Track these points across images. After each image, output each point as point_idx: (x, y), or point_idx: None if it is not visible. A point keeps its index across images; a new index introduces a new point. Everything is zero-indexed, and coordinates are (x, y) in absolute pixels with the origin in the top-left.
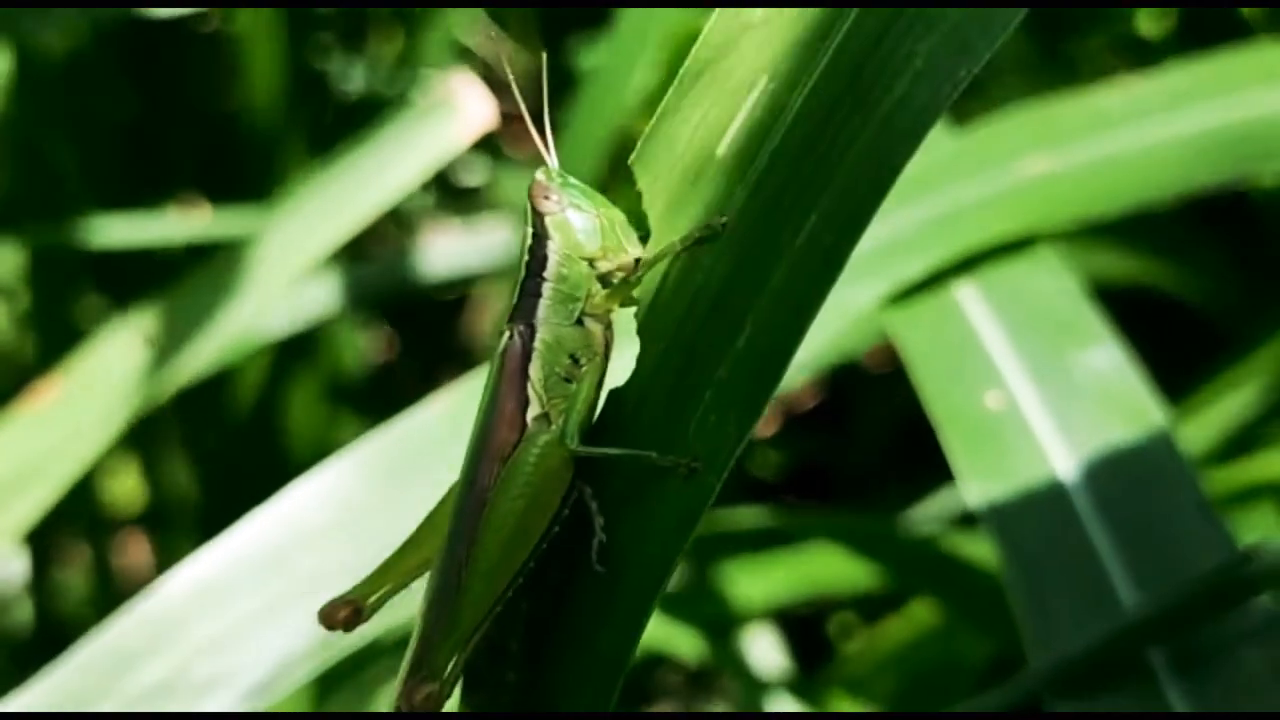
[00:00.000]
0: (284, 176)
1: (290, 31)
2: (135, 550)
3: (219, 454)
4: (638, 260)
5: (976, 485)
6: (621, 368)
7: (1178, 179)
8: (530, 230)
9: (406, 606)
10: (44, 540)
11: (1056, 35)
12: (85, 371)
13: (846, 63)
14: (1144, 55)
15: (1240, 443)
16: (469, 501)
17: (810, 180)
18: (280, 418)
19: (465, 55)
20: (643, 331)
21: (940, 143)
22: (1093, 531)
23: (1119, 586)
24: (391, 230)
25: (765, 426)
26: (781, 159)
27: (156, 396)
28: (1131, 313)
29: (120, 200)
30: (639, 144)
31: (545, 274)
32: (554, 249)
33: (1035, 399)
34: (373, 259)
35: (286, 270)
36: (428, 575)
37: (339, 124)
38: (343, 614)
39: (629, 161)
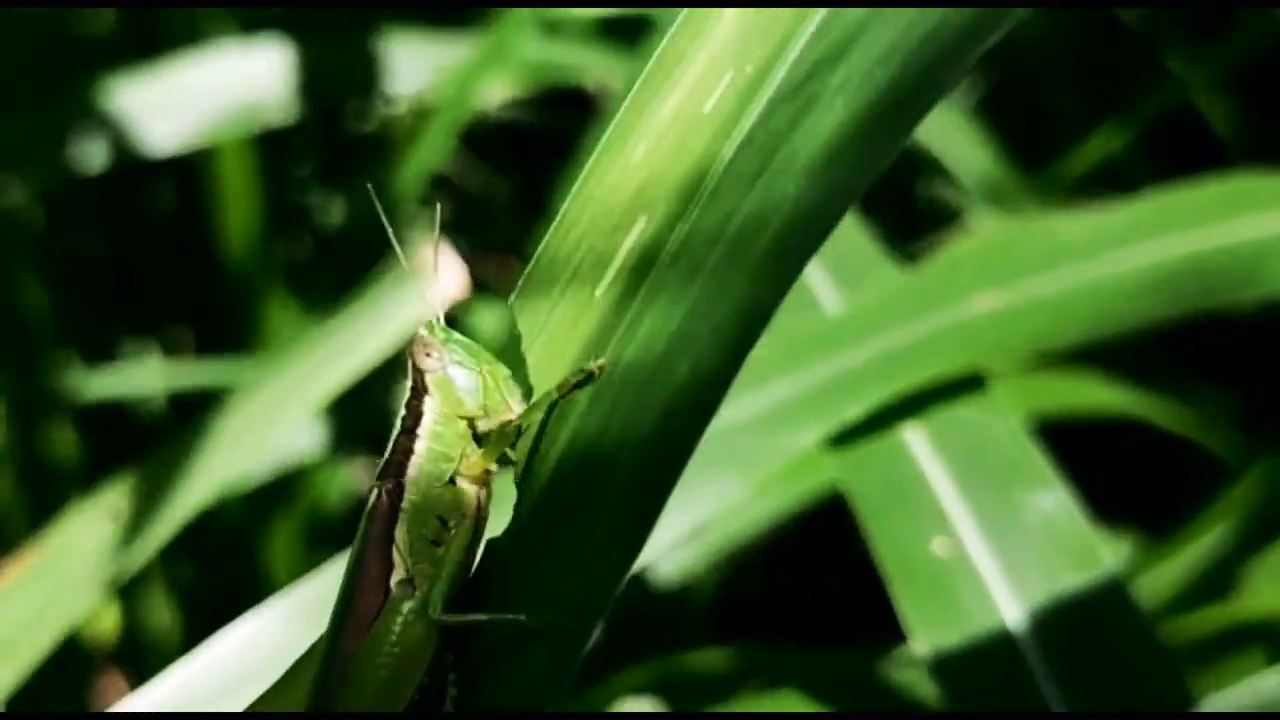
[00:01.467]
0: (264, 315)
1: (267, 165)
2: (113, 688)
3: (199, 588)
4: (517, 416)
5: (924, 636)
6: (499, 524)
7: (1133, 311)
8: (409, 385)
9: None
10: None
11: (1031, 162)
12: (56, 546)
13: (724, 201)
14: (1118, 184)
15: (1221, 580)
16: (332, 666)
17: (689, 331)
18: (262, 552)
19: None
20: (520, 484)
21: (890, 278)
22: (1042, 683)
23: None
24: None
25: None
26: (662, 294)
27: (129, 566)
28: (1118, 444)
29: (98, 344)
30: (519, 282)
31: (419, 431)
32: (431, 407)
33: (983, 545)
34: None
35: (259, 437)
36: None
37: (320, 256)
38: None
39: (508, 303)
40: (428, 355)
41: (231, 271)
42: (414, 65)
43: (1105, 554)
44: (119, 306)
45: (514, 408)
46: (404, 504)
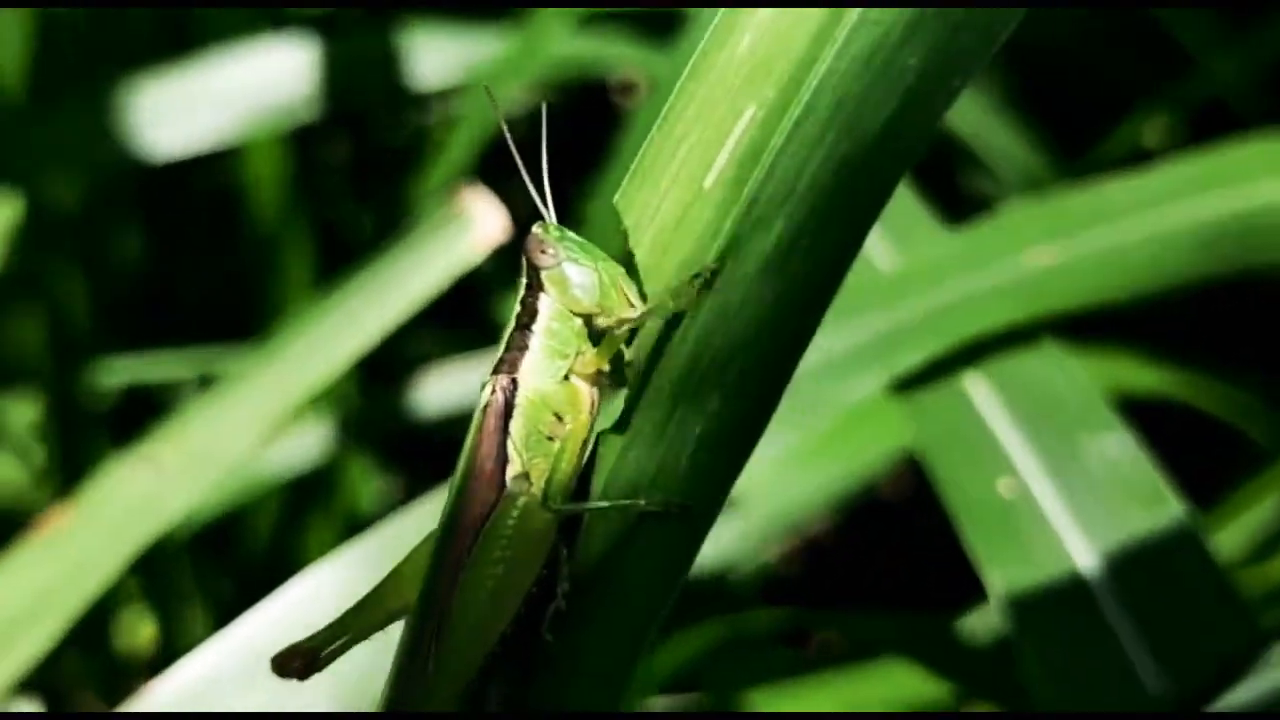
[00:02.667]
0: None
1: (299, 178)
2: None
3: (235, 601)
4: (638, 313)
5: (996, 571)
6: (609, 418)
7: (1184, 268)
8: (524, 283)
9: (361, 658)
10: (56, 691)
11: (1064, 150)
12: (93, 501)
13: (836, 85)
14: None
15: (1266, 550)
16: (445, 564)
17: (801, 204)
18: (297, 563)
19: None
20: (632, 382)
21: (942, 240)
22: (1112, 616)
23: (1141, 671)
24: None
25: (786, 564)
26: (770, 187)
27: (166, 523)
28: (1157, 425)
29: (133, 344)
30: (623, 183)
31: (535, 327)
32: (547, 303)
33: (1048, 487)
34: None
35: (296, 391)
36: (397, 641)
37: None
38: (297, 663)
39: (613, 201)
40: (543, 252)
41: (262, 274)
42: (443, 61)
43: (1170, 495)
44: (155, 303)
45: (630, 305)
46: (519, 399)
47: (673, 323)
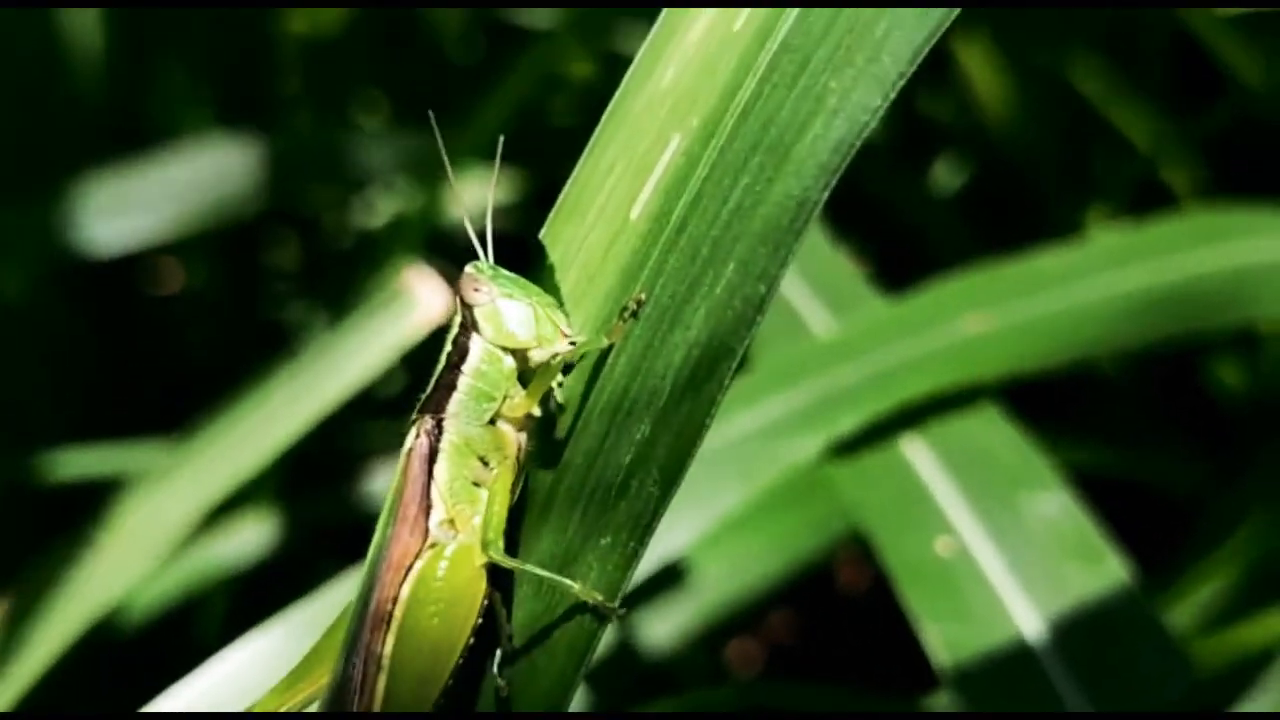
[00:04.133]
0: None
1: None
2: None
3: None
4: (572, 345)
5: (934, 627)
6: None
7: (1116, 335)
8: (457, 321)
9: None
10: None
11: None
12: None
13: (761, 109)
14: None
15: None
16: (368, 614)
17: (726, 229)
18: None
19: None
20: (562, 421)
21: (878, 307)
22: (1054, 674)
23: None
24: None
25: (747, 665)
26: (697, 214)
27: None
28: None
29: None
30: (550, 216)
31: (464, 367)
32: (479, 342)
33: (987, 546)
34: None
35: (231, 476)
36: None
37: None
38: None
39: (539, 236)
40: (476, 290)
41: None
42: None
43: (1110, 552)
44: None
45: (565, 335)
46: (444, 443)
47: (602, 355)
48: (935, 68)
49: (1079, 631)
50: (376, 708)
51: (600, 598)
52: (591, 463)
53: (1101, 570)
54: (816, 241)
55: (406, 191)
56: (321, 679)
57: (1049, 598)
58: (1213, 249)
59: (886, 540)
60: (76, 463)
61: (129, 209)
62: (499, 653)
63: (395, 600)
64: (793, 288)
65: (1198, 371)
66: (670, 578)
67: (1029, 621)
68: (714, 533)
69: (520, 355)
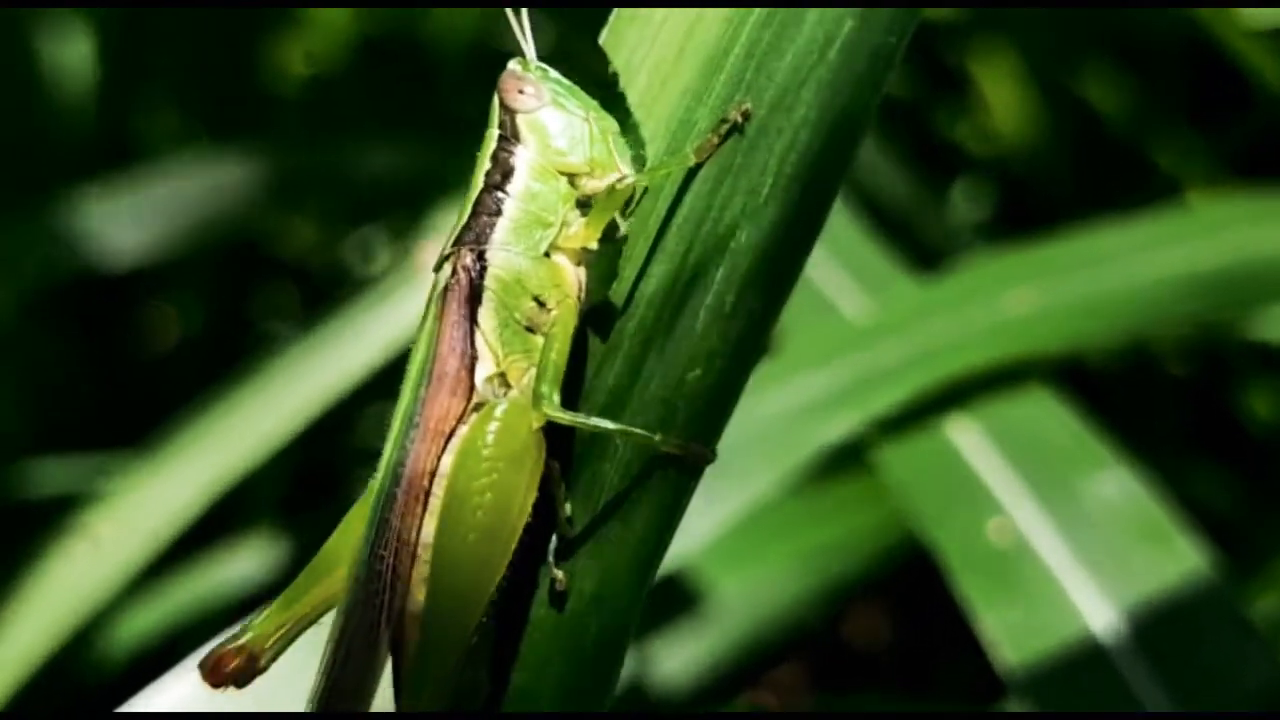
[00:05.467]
0: None
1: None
2: None
3: None
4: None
5: (994, 620)
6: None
7: (1161, 313)
8: (495, 133)
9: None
10: None
11: None
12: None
13: None
14: None
15: None
16: (400, 493)
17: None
18: None
19: None
20: (626, 262)
21: (913, 289)
22: (1125, 668)
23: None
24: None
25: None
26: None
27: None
28: None
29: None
30: (610, 19)
31: (509, 188)
32: (525, 157)
33: (1046, 531)
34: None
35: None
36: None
37: None
38: (233, 664)
39: (599, 41)
40: (521, 92)
41: None
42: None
43: (1179, 535)
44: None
45: (624, 168)
46: (488, 280)
47: (688, 174)
48: (953, 87)
49: (1151, 620)
50: (417, 609)
51: (688, 445)
52: (670, 286)
53: (1172, 553)
54: (846, 226)
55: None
56: (338, 580)
57: (1116, 584)
58: (1258, 230)
59: (935, 526)
60: (54, 476)
61: (117, 228)
62: (554, 537)
63: (434, 475)
64: (824, 271)
65: (1228, 399)
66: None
67: (1096, 611)
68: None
69: (572, 178)
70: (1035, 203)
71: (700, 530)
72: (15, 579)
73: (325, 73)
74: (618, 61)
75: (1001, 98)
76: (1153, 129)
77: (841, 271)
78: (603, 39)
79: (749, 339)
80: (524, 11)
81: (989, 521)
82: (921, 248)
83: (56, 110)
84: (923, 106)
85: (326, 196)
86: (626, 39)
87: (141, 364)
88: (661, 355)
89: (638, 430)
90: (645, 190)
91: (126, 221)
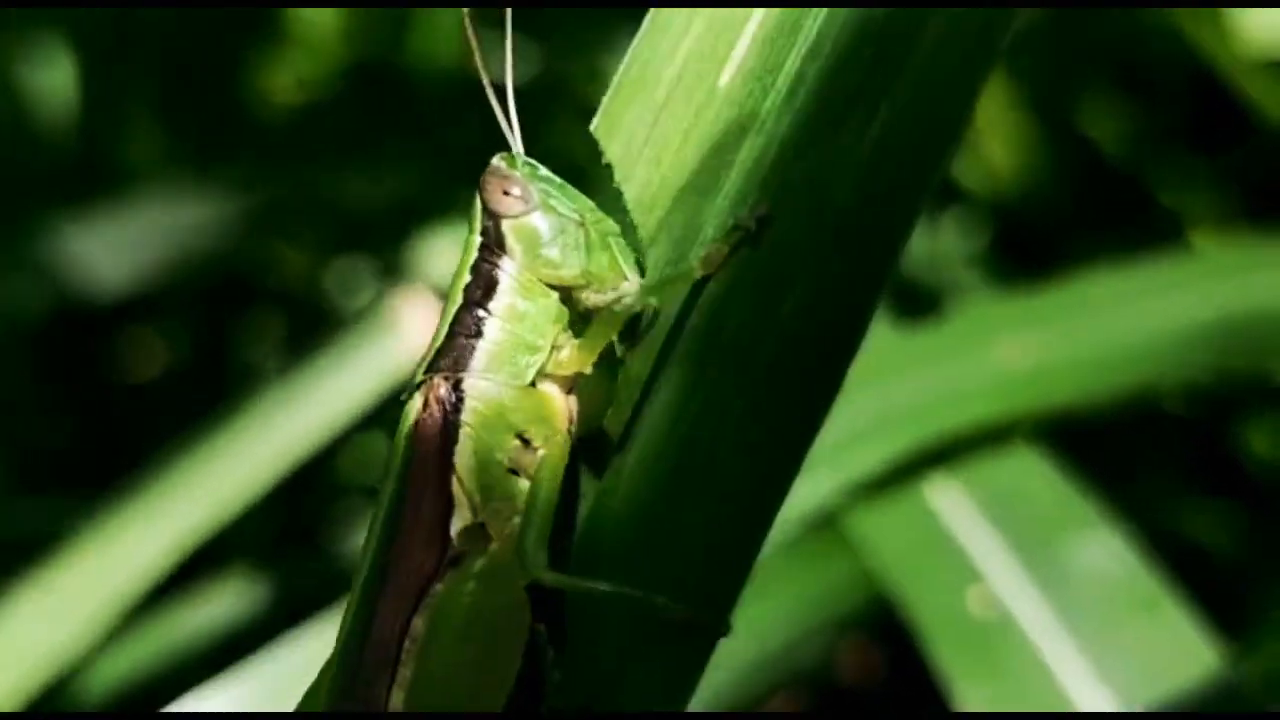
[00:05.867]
0: None
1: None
2: None
3: None
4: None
5: (973, 695)
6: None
7: (1164, 368)
8: (476, 240)
9: None
10: None
11: None
12: None
13: None
14: None
15: None
16: (365, 660)
17: (859, 92)
18: None
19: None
20: (626, 391)
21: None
22: None
23: None
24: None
25: None
26: (815, 64)
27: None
28: None
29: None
30: (604, 101)
31: (491, 306)
32: (510, 270)
33: (1029, 600)
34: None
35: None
36: None
37: None
38: None
39: (590, 129)
40: (507, 193)
41: None
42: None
43: (1169, 603)
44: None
45: (630, 279)
46: (465, 413)
47: (694, 289)
48: None
49: (1140, 696)
50: None
51: (698, 611)
52: (676, 417)
53: (1162, 623)
54: None
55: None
56: None
57: (1103, 658)
58: (1264, 276)
59: (911, 594)
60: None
61: (100, 256)
62: (545, 709)
63: (404, 639)
64: None
65: (1227, 437)
66: None
67: (1082, 686)
68: None
69: (565, 292)
70: (1032, 237)
71: None
72: None
73: (311, 100)
74: (611, 150)
75: (997, 128)
76: (1154, 162)
77: None
78: (594, 125)
79: (774, 479)
80: (510, 99)
81: (969, 589)
82: (910, 287)
83: (37, 135)
84: None
85: (312, 224)
86: (623, 123)
87: (124, 394)
88: (669, 497)
89: (641, 593)
90: (655, 313)
91: (109, 250)
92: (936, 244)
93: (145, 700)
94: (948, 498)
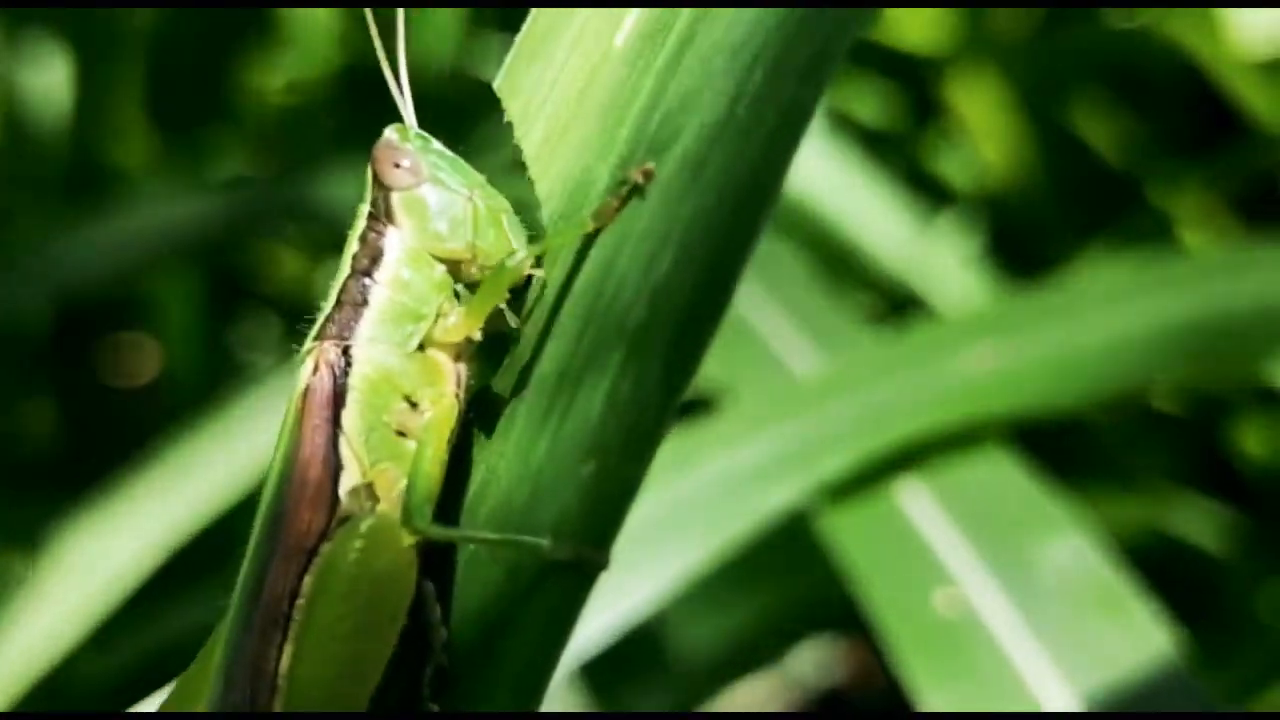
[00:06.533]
0: None
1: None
2: None
3: None
4: (520, 265)
5: (937, 698)
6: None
7: (1129, 371)
8: (365, 210)
9: None
10: None
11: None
12: None
13: None
14: None
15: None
16: (256, 619)
17: (746, 49)
18: None
19: None
20: (516, 354)
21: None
22: None
23: None
24: None
25: None
26: (705, 25)
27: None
28: None
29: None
30: (506, 62)
31: (377, 275)
32: (397, 240)
33: (995, 600)
34: None
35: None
36: None
37: None
38: None
39: (493, 86)
40: (397, 165)
41: None
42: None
43: (1137, 605)
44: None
45: (518, 253)
46: (353, 378)
47: (584, 241)
48: (936, 117)
49: (1107, 699)
50: None
51: (580, 550)
52: (563, 369)
53: (1130, 626)
54: (798, 274)
55: None
56: (194, 708)
57: (1071, 660)
58: (1241, 281)
59: (876, 595)
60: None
61: (93, 256)
62: (431, 668)
63: (293, 598)
64: (772, 323)
65: (1218, 436)
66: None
67: (1049, 688)
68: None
69: (454, 265)
70: (1023, 237)
71: (631, 607)
72: None
73: (303, 101)
74: (513, 107)
75: (986, 128)
76: (1145, 161)
77: (793, 324)
78: (498, 82)
79: (648, 429)
80: (403, 68)
81: (935, 591)
82: (901, 287)
83: (30, 137)
84: (908, 140)
85: (306, 225)
86: (524, 83)
87: (118, 397)
88: (553, 448)
89: (525, 539)
90: (544, 283)
91: (102, 250)
92: (928, 245)
93: (139, 696)
94: (916, 499)
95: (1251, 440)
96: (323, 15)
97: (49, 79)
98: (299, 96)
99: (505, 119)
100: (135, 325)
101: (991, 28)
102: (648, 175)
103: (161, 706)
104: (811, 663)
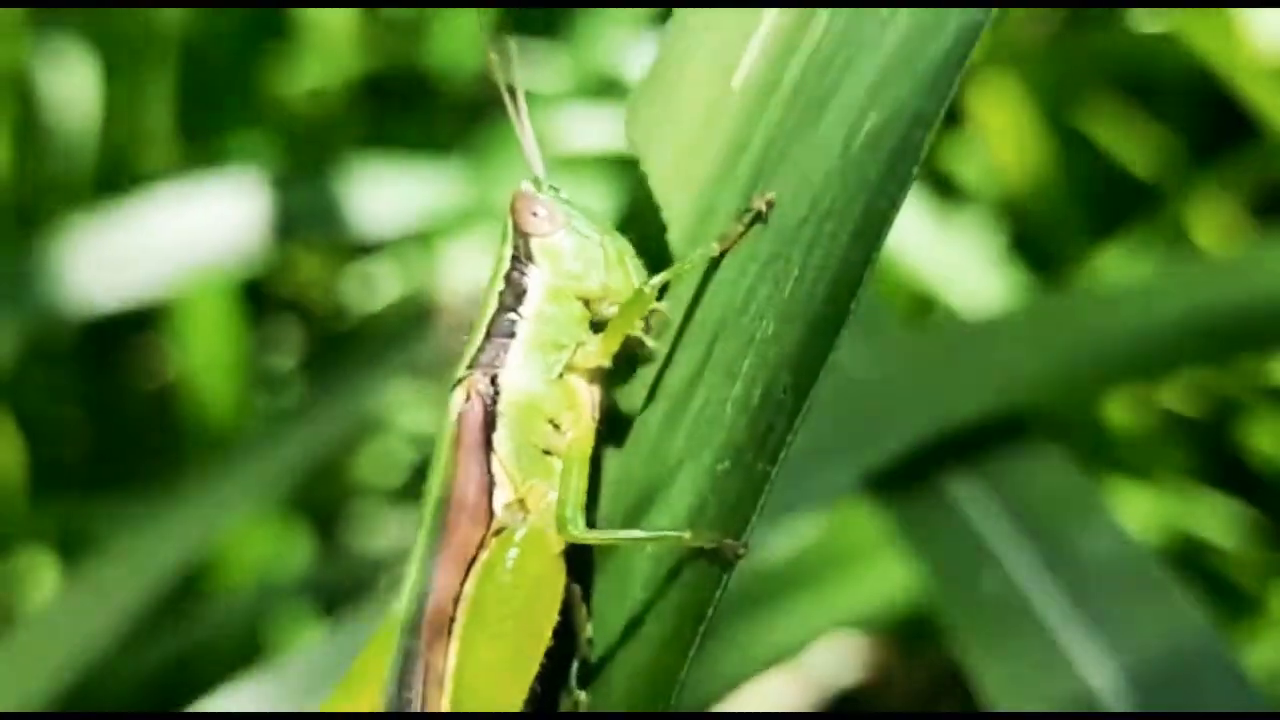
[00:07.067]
0: None
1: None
2: None
3: None
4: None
5: (991, 674)
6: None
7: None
8: (507, 253)
9: None
10: None
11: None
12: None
13: None
14: None
15: None
16: (424, 622)
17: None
18: None
19: None
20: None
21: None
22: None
23: None
24: None
25: None
26: (814, 69)
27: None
28: None
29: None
30: (630, 103)
31: (523, 310)
32: (539, 280)
33: (1042, 584)
34: None
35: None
36: None
37: None
38: None
39: (624, 125)
40: (535, 214)
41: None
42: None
43: (1174, 589)
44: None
45: (638, 285)
46: (502, 405)
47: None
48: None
49: (1148, 676)
50: None
51: (719, 538)
52: (694, 378)
53: (1169, 607)
54: None
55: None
56: (366, 703)
57: (1114, 638)
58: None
59: (932, 580)
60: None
61: (115, 261)
62: (576, 662)
63: (457, 603)
64: None
65: (1232, 435)
66: None
67: (1093, 665)
68: None
69: (586, 300)
70: (1041, 239)
71: None
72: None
73: (328, 105)
74: (637, 140)
75: (1004, 132)
76: (1161, 165)
77: None
78: (626, 120)
79: (777, 429)
80: (528, 128)
81: (982, 574)
82: (923, 285)
83: (56, 140)
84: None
85: (329, 229)
86: (643, 117)
87: (142, 401)
88: (689, 449)
89: (668, 533)
90: (665, 320)
91: (125, 255)
92: (948, 246)
93: (169, 699)
94: (966, 487)
95: (1265, 438)
96: (346, 18)
97: (74, 84)
98: (324, 102)
99: (633, 149)
100: (158, 327)
101: (1011, 34)
102: (769, 204)
103: (322, 706)
104: (831, 661)
